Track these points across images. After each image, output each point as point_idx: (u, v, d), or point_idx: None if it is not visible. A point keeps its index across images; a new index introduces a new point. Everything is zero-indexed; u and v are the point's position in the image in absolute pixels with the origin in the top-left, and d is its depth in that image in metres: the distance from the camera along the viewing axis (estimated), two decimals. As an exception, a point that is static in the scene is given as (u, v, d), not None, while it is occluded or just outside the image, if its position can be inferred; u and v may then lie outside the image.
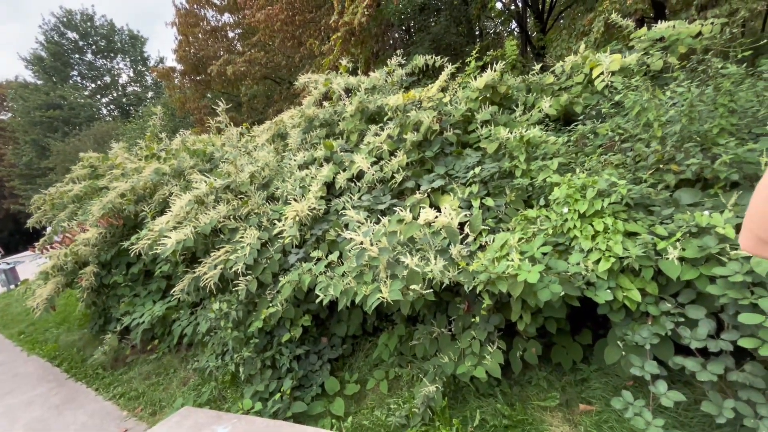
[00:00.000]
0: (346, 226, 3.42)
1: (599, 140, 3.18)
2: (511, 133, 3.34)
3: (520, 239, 2.56)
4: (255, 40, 15.95)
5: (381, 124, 4.38)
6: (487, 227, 2.86)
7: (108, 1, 55.14)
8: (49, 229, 6.86)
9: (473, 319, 2.81)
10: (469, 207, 3.13)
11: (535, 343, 2.78)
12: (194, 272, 3.96)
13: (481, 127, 3.79)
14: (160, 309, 4.73)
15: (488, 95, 4.06)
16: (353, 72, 5.81)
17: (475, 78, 4.39)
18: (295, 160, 4.58)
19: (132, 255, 4.44)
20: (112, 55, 39.37)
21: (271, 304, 3.46)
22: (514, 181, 3.14)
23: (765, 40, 3.58)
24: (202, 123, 17.39)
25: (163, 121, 7.64)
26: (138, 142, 7.51)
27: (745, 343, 1.75)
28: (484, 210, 3.09)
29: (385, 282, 2.63)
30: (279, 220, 3.84)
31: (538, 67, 4.56)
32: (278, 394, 3.22)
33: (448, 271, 2.55)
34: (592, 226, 2.34)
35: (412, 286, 2.51)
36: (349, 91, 5.28)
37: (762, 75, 2.89)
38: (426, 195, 3.40)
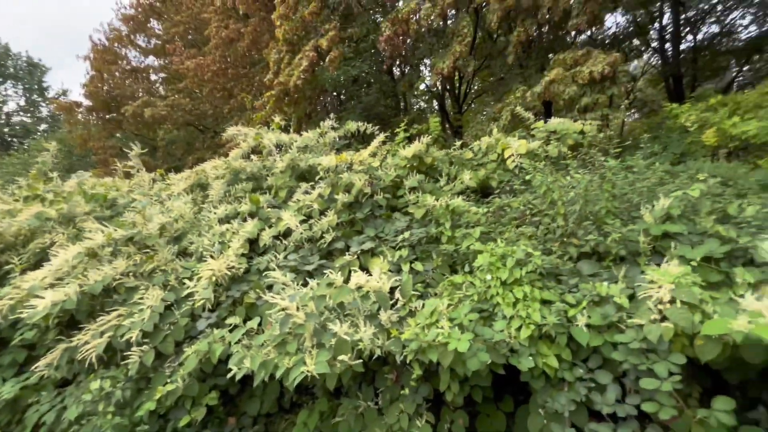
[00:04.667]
0: (270, 287, 3.18)
1: (513, 213, 3.53)
2: (437, 200, 3.55)
3: (448, 305, 2.61)
4: (182, 87, 15.43)
5: (312, 183, 4.36)
6: (416, 292, 2.87)
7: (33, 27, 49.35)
8: None
9: (402, 391, 2.68)
10: (399, 270, 3.15)
11: (462, 413, 2.72)
12: (71, 341, 3.25)
13: (410, 192, 3.98)
14: (11, 389, 3.70)
15: (416, 164, 4.34)
16: (285, 129, 5.83)
17: (404, 147, 4.70)
18: (215, 213, 4.26)
19: (-18, 318, 3.52)
20: (0, 79, 34.63)
21: (170, 380, 2.93)
22: (441, 246, 3.28)
23: (628, 141, 4.47)
24: (106, 164, 15.65)
25: (56, 158, 6.68)
26: (17, 180, 6.39)
27: (647, 407, 1.91)
28: (413, 274, 3.13)
29: (310, 352, 2.42)
30: (190, 278, 3.43)
31: (458, 143, 5.07)
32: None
33: (378, 339, 2.45)
34: (513, 293, 2.49)
35: (340, 357, 2.34)
36: (280, 147, 5.25)
37: (632, 168, 3.56)
38: (356, 257, 3.35)
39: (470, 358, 2.21)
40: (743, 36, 13.31)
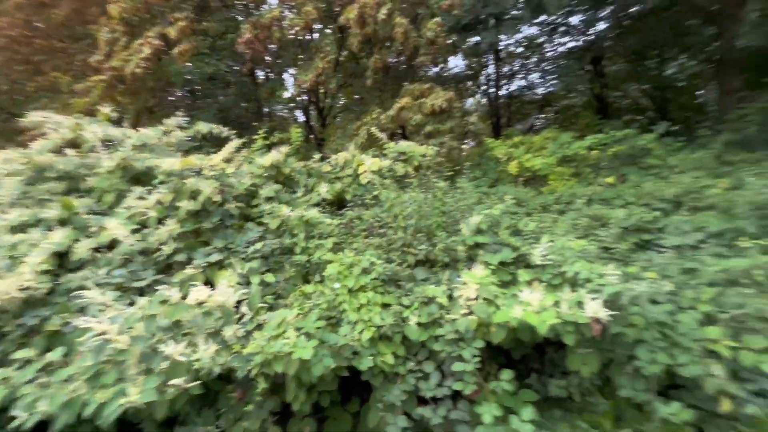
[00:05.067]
0: (83, 309, 2.65)
1: (363, 225, 3.82)
2: (293, 211, 3.58)
3: (297, 315, 2.65)
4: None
5: (149, 188, 3.83)
6: (265, 304, 2.83)
7: None
8: None
9: (246, 408, 2.58)
10: (248, 283, 3.04)
11: (309, 421, 2.78)
12: None
13: (265, 202, 3.89)
14: None
15: (273, 174, 4.28)
16: (117, 123, 4.98)
17: (262, 155, 4.58)
18: (5, 220, 3.33)
19: None
20: None
21: None
22: (294, 257, 3.31)
23: (458, 167, 5.34)
24: None
25: None
26: None
27: (457, 386, 2.33)
28: (263, 286, 3.06)
29: (135, 380, 2.12)
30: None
31: (318, 156, 5.21)
32: None
33: (220, 357, 2.32)
34: (358, 299, 2.70)
35: (173, 381, 2.13)
36: (108, 143, 4.45)
37: (460, 189, 4.29)
38: (201, 270, 3.10)
39: (315, 365, 2.30)
40: (539, 91, 17.53)
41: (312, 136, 10.70)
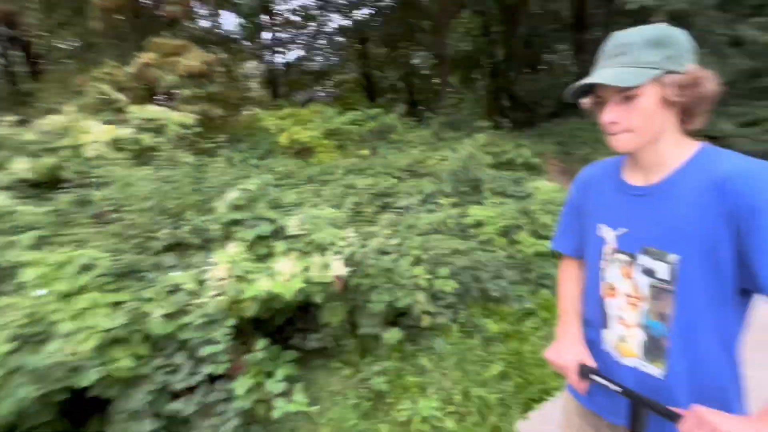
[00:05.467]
0: None
1: (91, 209, 3.10)
2: (-43, 200, 2.53)
3: (-30, 344, 1.94)
4: None
5: None
6: None
7: None
8: None
9: None
10: None
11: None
12: None
13: None
14: None
15: None
16: None
17: None
18: None
19: None
20: None
21: None
22: (-34, 264, 2.37)
23: (223, 138, 5.00)
24: None
25: None
26: None
27: (209, 369, 2.29)
28: None
29: None
30: None
31: (13, 118, 3.81)
32: None
33: None
34: (76, 304, 2.20)
35: None
36: None
37: (218, 162, 4.02)
38: None
39: (4, 399, 1.77)
40: (317, 64, 18.22)
41: (15, 87, 7.67)
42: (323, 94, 20.29)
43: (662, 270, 0.89)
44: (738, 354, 0.91)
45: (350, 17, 16.03)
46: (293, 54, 16.93)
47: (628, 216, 0.95)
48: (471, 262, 3.93)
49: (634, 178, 0.97)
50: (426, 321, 3.20)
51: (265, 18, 14.71)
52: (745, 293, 0.86)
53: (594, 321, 1.06)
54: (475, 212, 4.56)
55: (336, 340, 3.20)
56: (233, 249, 2.67)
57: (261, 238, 3.06)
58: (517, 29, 13.61)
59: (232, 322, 2.43)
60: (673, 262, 0.87)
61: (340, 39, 17.22)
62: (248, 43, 16.40)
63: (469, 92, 16.61)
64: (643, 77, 0.81)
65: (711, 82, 0.84)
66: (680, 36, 0.84)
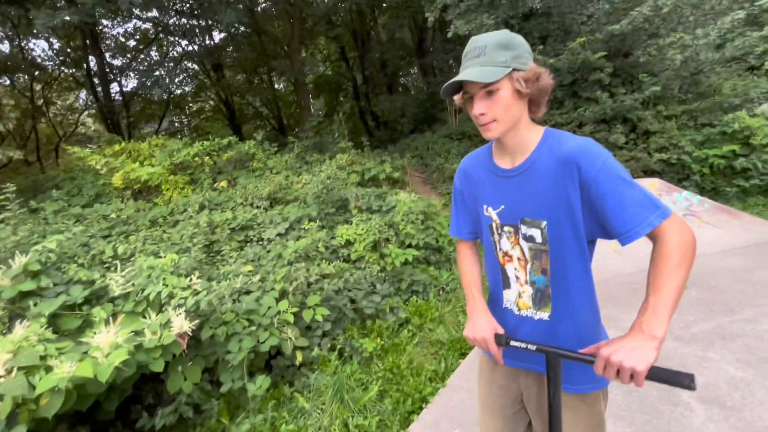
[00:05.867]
0: None
1: None
2: None
3: None
4: None
5: None
6: None
7: None
8: None
9: None
10: None
11: None
12: None
13: None
14: None
15: None
16: None
17: None
18: None
19: None
20: None
21: None
22: None
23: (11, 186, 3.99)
24: None
25: None
26: None
27: None
28: None
29: None
30: None
31: None
32: None
33: None
34: None
35: None
36: None
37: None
38: None
39: None
40: (164, 92, 16.39)
41: None
42: (178, 124, 18.41)
43: (537, 235, 1.08)
44: (594, 293, 1.12)
45: (199, 43, 14.97)
46: (133, 82, 14.95)
47: (504, 195, 1.13)
48: (344, 283, 3.86)
49: (503, 162, 1.14)
50: (300, 357, 2.98)
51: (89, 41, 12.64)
52: (591, 244, 1.07)
53: (497, 284, 1.24)
54: (344, 232, 4.55)
55: (195, 407, 2.73)
56: (21, 331, 2.04)
57: (70, 308, 2.44)
58: (369, 55, 14.58)
59: (23, 429, 1.82)
60: (543, 227, 1.06)
61: (191, 65, 15.92)
62: (71, 71, 13.88)
63: (336, 114, 17.07)
64: (499, 74, 0.96)
65: (547, 77, 1.03)
66: (521, 40, 1.02)
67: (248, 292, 3.23)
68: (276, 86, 18.88)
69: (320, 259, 4.17)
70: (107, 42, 14.68)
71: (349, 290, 3.96)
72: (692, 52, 5.20)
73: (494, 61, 0.97)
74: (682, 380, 0.80)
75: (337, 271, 4.04)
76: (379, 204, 5.11)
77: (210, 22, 13.15)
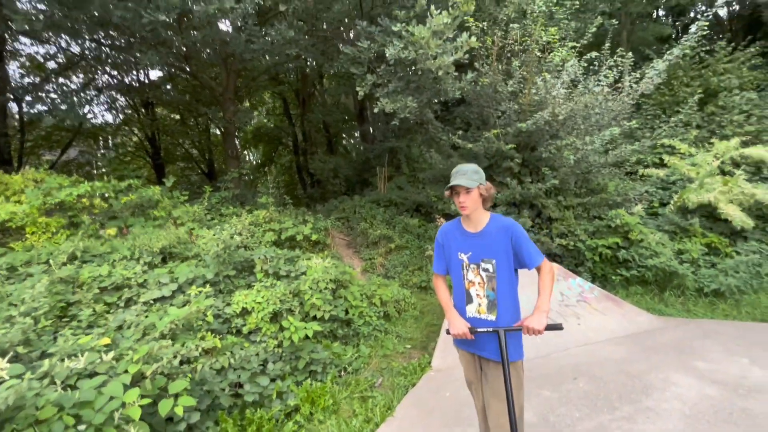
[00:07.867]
0: None
1: None
2: None
3: None
4: None
5: None
6: None
7: None
8: None
9: None
10: None
11: None
12: None
13: None
14: None
15: None
16: None
17: None
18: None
19: None
20: None
21: None
22: None
23: None
24: None
25: None
26: None
27: None
28: None
29: None
30: None
31: None
32: None
33: None
34: None
35: None
36: None
37: None
38: None
39: None
40: (78, 119, 14.96)
41: None
42: (90, 155, 16.68)
43: (490, 267, 1.99)
44: (518, 299, 2.05)
45: (130, 77, 14.20)
46: (41, 105, 13.45)
47: (470, 246, 2.05)
48: (229, 360, 3.36)
49: (470, 228, 2.07)
50: (141, 466, 2.37)
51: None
52: (516, 271, 2.03)
53: (462, 301, 2.10)
54: (241, 299, 4.09)
55: None
56: None
57: None
58: (311, 115, 14.92)
59: None
60: (493, 263, 1.99)
61: (118, 97, 14.90)
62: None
63: (272, 165, 16.78)
64: (475, 184, 1.94)
65: (493, 189, 2.02)
66: (480, 169, 2.00)
67: (92, 375, 2.62)
68: (211, 130, 18.31)
69: (206, 331, 3.64)
70: (20, 59, 13.36)
71: (235, 369, 3.46)
72: (583, 155, 5.97)
73: (471, 178, 1.94)
74: (558, 327, 1.89)
75: (223, 346, 3.54)
76: (288, 268, 4.78)
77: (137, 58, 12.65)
